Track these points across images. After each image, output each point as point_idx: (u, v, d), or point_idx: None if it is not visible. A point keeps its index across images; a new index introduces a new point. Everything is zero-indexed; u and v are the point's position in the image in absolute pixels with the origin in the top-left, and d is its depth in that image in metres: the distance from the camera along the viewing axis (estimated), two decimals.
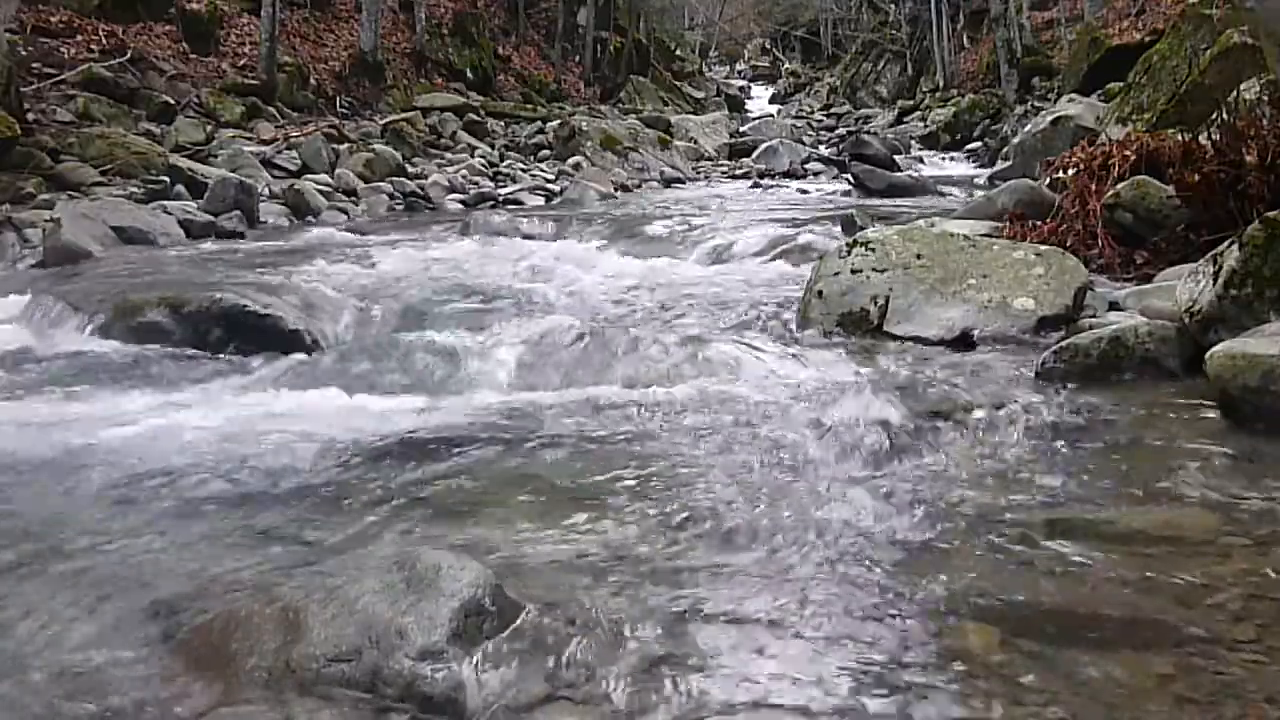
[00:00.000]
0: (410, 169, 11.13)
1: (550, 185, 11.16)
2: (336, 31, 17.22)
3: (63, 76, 10.86)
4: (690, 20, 40.53)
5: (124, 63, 11.94)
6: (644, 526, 2.21)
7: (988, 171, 11.94)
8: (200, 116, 11.80)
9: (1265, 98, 4.80)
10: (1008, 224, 5.35)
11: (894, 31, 30.79)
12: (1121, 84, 9.94)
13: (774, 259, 6.03)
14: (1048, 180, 5.98)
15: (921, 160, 15.71)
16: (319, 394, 3.55)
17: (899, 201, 9.56)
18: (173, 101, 11.78)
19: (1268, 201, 3.95)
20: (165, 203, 7.74)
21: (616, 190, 11.11)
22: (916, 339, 3.76)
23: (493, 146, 14.23)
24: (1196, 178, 4.37)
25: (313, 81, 14.87)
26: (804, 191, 11.42)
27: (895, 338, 3.81)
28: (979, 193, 8.04)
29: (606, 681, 1.57)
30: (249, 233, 7.44)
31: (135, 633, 1.76)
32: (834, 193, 11.08)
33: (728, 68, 46.71)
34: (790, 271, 5.46)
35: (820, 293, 4.08)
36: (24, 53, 10.61)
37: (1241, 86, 5.14)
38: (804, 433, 2.82)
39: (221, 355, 4.17)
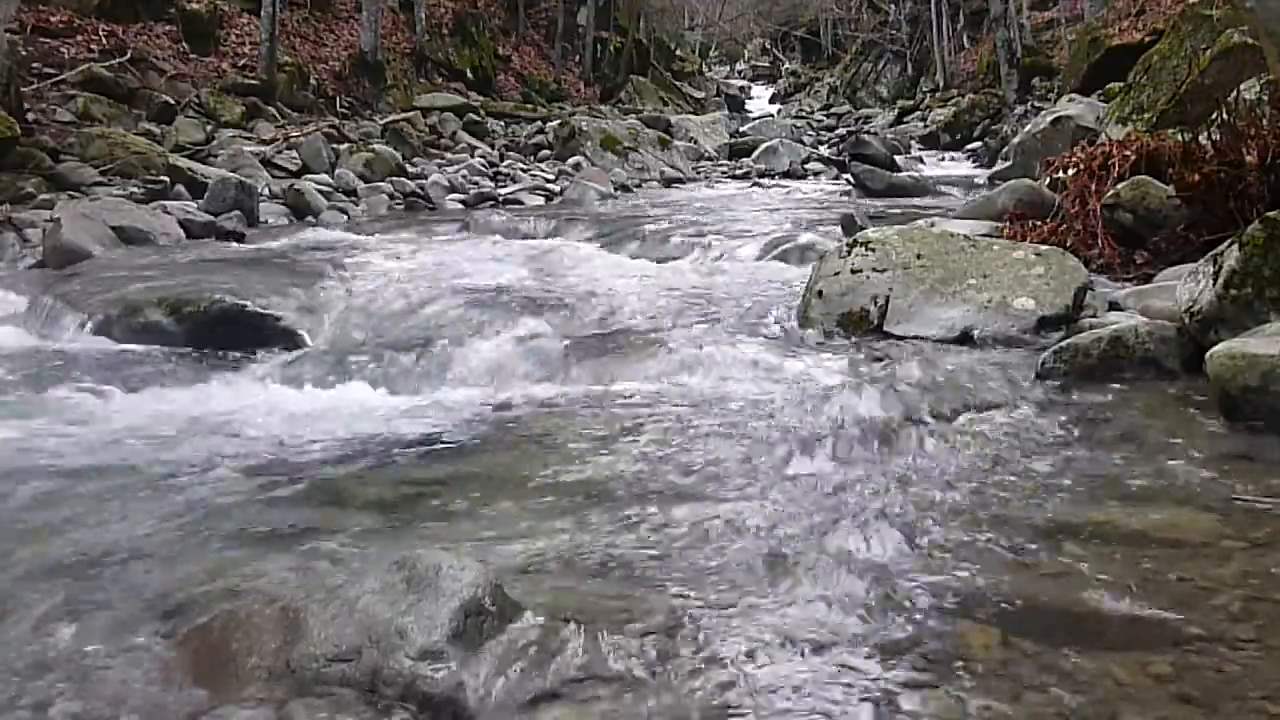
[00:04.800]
0: (410, 169, 11.10)
1: (550, 185, 11.13)
2: (336, 31, 17.20)
3: (63, 76, 10.84)
4: (690, 20, 40.48)
5: (124, 63, 11.92)
6: (644, 525, 2.21)
7: (988, 171, 11.91)
8: (200, 116, 11.78)
9: (1265, 98, 4.81)
10: (1008, 224, 5.36)
11: (894, 31, 30.78)
12: (1121, 84, 9.92)
13: (774, 259, 6.02)
14: (1048, 180, 5.97)
15: (921, 160, 15.66)
16: (317, 393, 3.56)
17: (899, 201, 9.54)
18: (173, 101, 11.76)
19: (1268, 201, 3.95)
20: (165, 203, 7.72)
21: (616, 190, 11.09)
22: (917, 339, 3.76)
23: (493, 146, 14.21)
24: (1196, 178, 4.37)
25: (313, 81, 14.85)
26: (804, 192, 11.41)
27: (895, 338, 3.81)
28: (979, 193, 8.03)
29: (606, 681, 1.57)
30: (249, 233, 7.42)
31: (135, 632, 1.76)
32: (834, 193, 11.08)
33: (728, 68, 46.69)
34: (790, 271, 5.45)
35: (820, 293, 4.08)
36: (24, 53, 10.59)
37: (1241, 86, 5.14)
38: (804, 433, 2.82)
39: (220, 355, 4.17)
